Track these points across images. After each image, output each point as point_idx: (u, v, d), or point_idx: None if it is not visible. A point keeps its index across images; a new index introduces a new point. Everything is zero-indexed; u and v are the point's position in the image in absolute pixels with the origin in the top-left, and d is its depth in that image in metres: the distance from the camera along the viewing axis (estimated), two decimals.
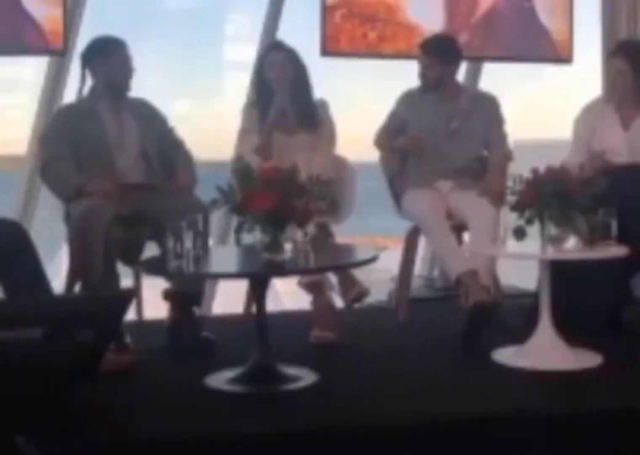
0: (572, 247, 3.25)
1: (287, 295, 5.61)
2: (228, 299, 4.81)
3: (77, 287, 3.55)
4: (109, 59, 3.72)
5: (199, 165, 3.92)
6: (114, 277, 3.48)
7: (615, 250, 3.20)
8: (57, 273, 4.07)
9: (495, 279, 3.86)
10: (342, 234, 3.88)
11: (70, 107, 3.86)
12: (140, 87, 3.92)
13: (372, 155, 4.27)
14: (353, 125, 5.95)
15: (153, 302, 3.92)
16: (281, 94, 3.85)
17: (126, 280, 3.73)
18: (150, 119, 3.82)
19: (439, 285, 4.71)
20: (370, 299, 3.98)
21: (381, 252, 3.17)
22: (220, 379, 3.05)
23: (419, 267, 4.78)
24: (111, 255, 3.43)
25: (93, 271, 3.38)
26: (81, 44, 4.07)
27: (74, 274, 3.58)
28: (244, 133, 4.00)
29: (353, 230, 4.83)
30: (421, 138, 4.03)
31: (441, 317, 4.06)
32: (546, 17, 5.08)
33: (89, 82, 3.80)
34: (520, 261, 3.86)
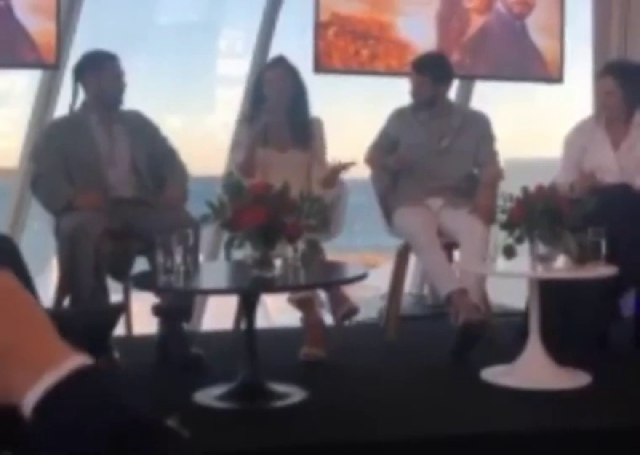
0: (561, 266, 3.26)
1: (277, 311, 5.60)
2: (218, 314, 4.80)
3: (67, 301, 3.54)
4: (101, 72, 3.73)
5: (190, 180, 3.92)
6: (104, 292, 3.47)
7: (605, 270, 3.21)
8: (47, 285, 4.06)
9: (485, 298, 3.87)
10: (332, 250, 3.88)
11: (62, 121, 3.87)
12: (133, 103, 3.92)
13: (363, 172, 4.28)
14: (344, 142, 5.96)
15: (142, 317, 3.91)
16: (272, 110, 3.84)
17: (116, 295, 3.73)
18: (142, 131, 3.82)
19: (429, 303, 4.71)
20: (360, 317, 3.98)
21: (371, 270, 3.17)
22: (209, 395, 3.04)
23: (409, 284, 4.77)
24: (101, 270, 3.43)
25: (82, 286, 3.38)
26: (74, 57, 4.07)
27: (63, 288, 3.57)
28: (235, 148, 4.00)
29: (343, 247, 4.83)
30: (411, 157, 4.04)
31: (431, 335, 4.06)
32: (537, 36, 5.11)
33: (81, 96, 3.80)
34: (509, 280, 3.87)
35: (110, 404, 0.66)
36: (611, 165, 3.92)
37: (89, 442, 0.63)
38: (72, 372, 0.66)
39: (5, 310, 0.68)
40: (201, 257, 3.77)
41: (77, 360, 0.67)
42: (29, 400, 0.65)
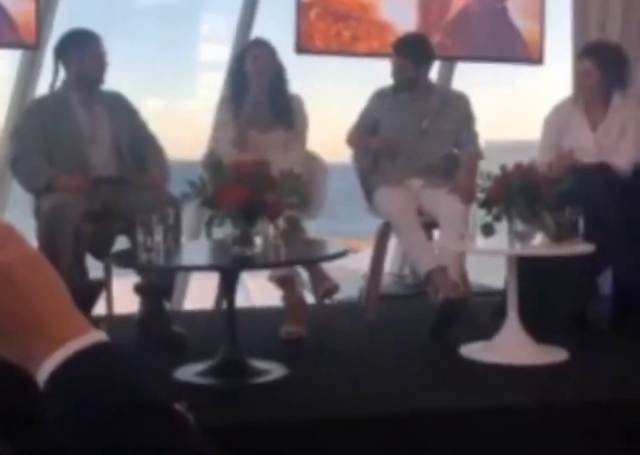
0: (539, 243, 3.29)
1: (258, 293, 5.61)
2: (199, 294, 4.81)
3: None
4: (84, 51, 3.71)
5: (171, 164, 3.92)
6: (83, 273, 3.47)
7: (582, 248, 3.25)
8: None
9: (464, 276, 3.90)
10: (314, 235, 3.89)
11: (42, 101, 3.85)
12: (113, 84, 3.91)
13: (345, 155, 4.30)
14: (326, 125, 5.97)
15: (124, 298, 3.91)
16: (259, 87, 3.86)
17: (97, 275, 3.73)
18: (122, 112, 3.82)
19: (409, 282, 4.74)
20: (341, 296, 4.01)
21: (353, 253, 3.19)
22: (190, 372, 3.06)
23: (389, 264, 4.80)
24: (80, 250, 3.43)
25: (61, 266, 3.37)
26: (54, 38, 4.05)
27: None
28: (218, 127, 4.01)
29: (326, 232, 4.84)
30: (393, 140, 4.06)
31: (411, 313, 4.09)
32: (518, 18, 5.13)
33: (61, 75, 3.79)
34: (489, 259, 3.91)
35: (122, 381, 0.67)
36: (589, 146, 3.95)
37: (97, 416, 0.64)
38: (89, 346, 0.67)
39: (32, 279, 0.69)
40: (183, 237, 3.78)
41: (95, 335, 0.69)
42: (45, 369, 0.66)
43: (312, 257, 3.37)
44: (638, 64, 4.67)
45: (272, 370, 3.09)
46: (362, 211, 4.21)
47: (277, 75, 3.90)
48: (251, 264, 3.09)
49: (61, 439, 0.66)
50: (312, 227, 3.90)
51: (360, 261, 4.44)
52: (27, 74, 4.66)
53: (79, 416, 0.65)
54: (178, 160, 4.64)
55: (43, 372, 0.67)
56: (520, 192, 3.14)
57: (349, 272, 4.61)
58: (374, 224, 4.13)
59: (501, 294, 3.66)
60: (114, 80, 3.92)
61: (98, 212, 3.57)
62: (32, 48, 4.52)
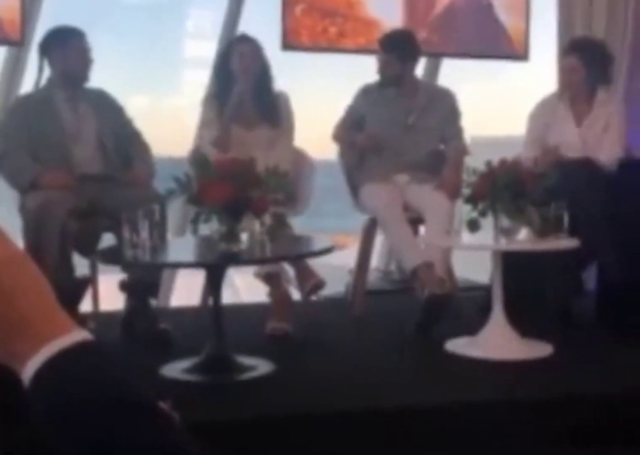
0: (524, 238, 3.30)
1: (245, 291, 5.62)
2: (185, 292, 4.81)
3: None
4: (68, 48, 3.70)
5: (157, 161, 3.92)
6: (69, 271, 3.46)
7: (567, 243, 3.26)
8: None
9: (450, 271, 3.91)
10: (301, 231, 3.90)
11: (27, 98, 3.84)
12: (98, 81, 3.90)
13: (331, 152, 4.30)
14: (312, 121, 5.97)
15: (110, 295, 3.91)
16: (243, 85, 3.84)
17: (83, 273, 3.72)
18: (107, 109, 3.81)
19: (395, 277, 4.75)
20: (327, 291, 4.01)
21: (339, 249, 3.19)
22: (176, 369, 3.06)
23: (375, 260, 4.81)
24: (66, 248, 3.42)
25: (47, 264, 3.36)
26: (39, 34, 4.04)
27: None
28: (203, 125, 3.99)
29: (312, 229, 4.84)
30: (379, 136, 4.07)
31: (397, 309, 4.10)
32: (504, 14, 5.14)
33: (46, 72, 3.78)
34: (474, 255, 3.92)
35: (107, 380, 0.67)
36: (574, 141, 3.97)
37: (82, 414, 0.65)
38: (74, 345, 0.67)
39: (17, 278, 0.69)
40: (169, 233, 3.78)
41: (80, 334, 0.69)
42: (30, 368, 0.67)
43: (298, 253, 3.38)
44: (622, 60, 4.69)
45: (259, 366, 3.09)
46: (348, 207, 4.22)
47: (262, 73, 3.89)
48: (237, 260, 3.09)
49: (47, 437, 0.66)
50: (298, 224, 3.90)
51: (346, 257, 4.45)
52: (12, 71, 4.64)
53: (64, 414, 0.65)
54: (164, 156, 4.63)
55: (28, 371, 0.67)
56: (506, 188, 3.15)
57: (335, 268, 4.61)
58: (360, 220, 4.14)
59: (487, 289, 3.68)
60: (99, 78, 3.91)
61: (84, 209, 3.56)
62: (17, 45, 4.50)
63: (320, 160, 4.33)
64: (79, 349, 0.68)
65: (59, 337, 0.68)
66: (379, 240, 4.41)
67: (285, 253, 3.33)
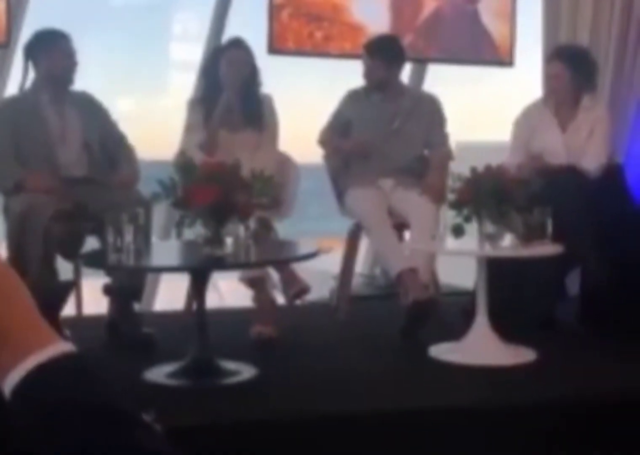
0: (508, 244, 3.32)
1: (230, 295, 5.60)
2: (170, 296, 4.80)
3: None
4: (53, 51, 3.68)
5: (142, 164, 3.91)
6: (53, 274, 3.45)
7: (550, 249, 3.27)
8: None
9: (434, 277, 3.92)
10: (286, 235, 3.90)
11: (12, 101, 3.83)
12: (85, 84, 3.89)
13: (317, 156, 4.31)
14: (298, 125, 5.97)
15: (93, 299, 3.90)
16: (231, 91, 3.83)
17: (66, 276, 3.70)
18: (92, 112, 3.80)
19: (380, 283, 4.75)
20: (312, 296, 4.00)
21: (324, 254, 3.19)
22: (159, 373, 3.05)
23: (360, 265, 4.81)
24: (50, 251, 3.40)
25: (31, 266, 3.35)
26: (25, 37, 4.02)
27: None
28: (188, 128, 3.98)
29: (297, 232, 4.84)
30: (366, 142, 4.07)
31: (381, 314, 4.10)
32: (489, 20, 5.16)
33: (31, 75, 3.76)
34: (459, 260, 3.92)
35: (89, 391, 0.68)
36: (558, 148, 3.99)
37: (64, 425, 0.65)
38: (56, 357, 0.68)
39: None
40: (154, 237, 3.77)
41: (61, 346, 0.69)
42: (12, 379, 0.67)
43: (283, 258, 3.38)
44: (607, 67, 4.72)
45: (242, 371, 3.08)
46: (333, 210, 4.22)
47: (250, 79, 3.87)
48: (222, 264, 3.09)
49: (29, 447, 0.66)
50: (283, 227, 3.90)
51: (330, 261, 4.45)
52: None
53: (46, 426, 0.65)
54: (150, 159, 4.62)
55: (9, 382, 0.67)
56: (490, 194, 3.16)
57: (320, 273, 4.62)
58: (345, 223, 4.14)
59: (471, 294, 3.68)
60: (86, 80, 3.90)
61: (68, 212, 3.54)
62: (2, 46, 4.48)
63: (305, 163, 4.33)
64: (61, 360, 0.68)
65: (41, 349, 0.68)
66: (363, 245, 4.42)
67: (270, 258, 3.33)
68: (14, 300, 0.70)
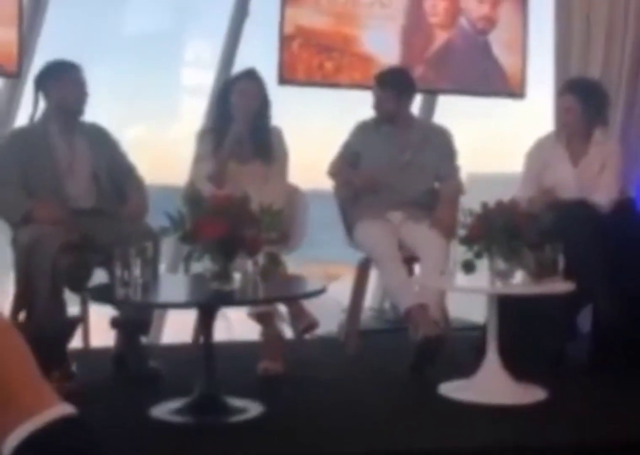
0: (519, 281, 3.28)
1: (240, 324, 5.57)
2: (177, 328, 4.76)
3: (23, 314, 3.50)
4: (63, 82, 3.68)
5: (153, 190, 3.89)
6: (61, 306, 3.42)
7: (562, 286, 3.23)
8: (4, 297, 4.00)
9: (444, 312, 3.88)
10: (294, 262, 3.88)
11: (22, 131, 3.82)
12: (96, 112, 3.89)
13: (326, 183, 4.29)
14: (307, 154, 5.97)
15: (100, 330, 3.87)
16: (241, 122, 3.81)
17: (73, 308, 3.68)
18: (102, 143, 3.79)
19: (389, 317, 4.71)
20: (320, 331, 3.97)
21: (333, 282, 3.17)
22: (165, 410, 3.01)
23: (369, 299, 4.77)
24: (58, 283, 3.38)
25: (38, 299, 3.33)
26: (36, 67, 4.03)
27: (19, 301, 3.52)
28: (198, 159, 3.97)
29: (306, 259, 4.82)
30: (375, 176, 4.05)
31: (391, 349, 4.06)
32: (500, 52, 5.16)
33: (42, 105, 3.76)
34: (469, 295, 3.89)
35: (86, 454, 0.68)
36: (570, 182, 3.96)
37: None
38: (56, 420, 0.68)
39: (2, 349, 0.70)
40: (162, 269, 3.75)
41: (61, 409, 0.69)
42: (12, 442, 0.67)
43: (291, 294, 3.35)
44: (619, 100, 4.70)
45: (249, 408, 3.05)
46: (342, 237, 4.18)
47: (261, 111, 3.85)
48: (229, 300, 3.06)
49: None
50: (292, 255, 3.87)
51: (340, 290, 4.41)
52: (8, 103, 4.63)
53: None
54: (161, 185, 4.61)
55: (9, 445, 0.67)
56: (502, 230, 3.13)
57: (328, 299, 4.58)
58: (353, 250, 4.11)
59: (481, 329, 3.64)
60: (96, 110, 3.90)
61: (76, 244, 3.52)
62: (13, 77, 4.49)
63: (313, 189, 4.31)
64: (61, 424, 0.68)
65: (41, 411, 0.68)
66: (373, 277, 4.38)
67: (278, 294, 3.30)
68: (16, 360, 0.70)
